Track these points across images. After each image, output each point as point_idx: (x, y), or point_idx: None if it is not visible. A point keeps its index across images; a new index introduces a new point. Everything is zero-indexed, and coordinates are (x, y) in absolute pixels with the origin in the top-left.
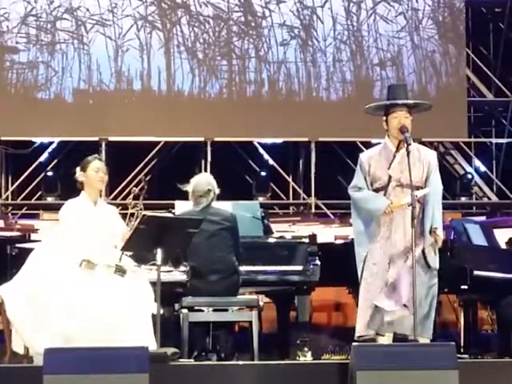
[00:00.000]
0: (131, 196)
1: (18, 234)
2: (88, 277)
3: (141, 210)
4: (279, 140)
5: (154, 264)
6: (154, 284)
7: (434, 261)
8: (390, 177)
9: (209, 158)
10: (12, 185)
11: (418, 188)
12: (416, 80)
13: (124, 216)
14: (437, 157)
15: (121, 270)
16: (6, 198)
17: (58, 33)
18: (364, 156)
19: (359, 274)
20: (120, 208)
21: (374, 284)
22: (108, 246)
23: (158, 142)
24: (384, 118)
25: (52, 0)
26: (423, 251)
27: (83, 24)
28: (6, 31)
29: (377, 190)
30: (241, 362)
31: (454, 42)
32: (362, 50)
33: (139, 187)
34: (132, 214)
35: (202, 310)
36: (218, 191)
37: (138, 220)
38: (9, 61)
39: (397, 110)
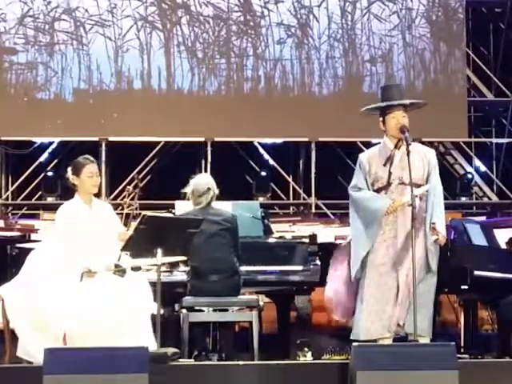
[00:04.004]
0: (126, 195)
1: (18, 234)
2: (88, 279)
3: (136, 209)
4: (279, 140)
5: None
6: (154, 284)
7: (434, 262)
8: (389, 175)
9: (209, 158)
10: (12, 185)
11: (419, 186)
12: (405, 76)
13: (120, 216)
14: (437, 157)
15: (120, 270)
16: (6, 198)
17: (57, 33)
18: (364, 156)
19: (353, 272)
20: (120, 208)
21: (384, 284)
22: (106, 246)
23: (158, 142)
24: (380, 118)
25: (49, 1)
26: (426, 252)
27: (82, 25)
28: (4, 32)
29: (378, 190)
30: (241, 362)
31: (446, 41)
32: (354, 47)
33: (133, 185)
34: (128, 214)
35: (203, 310)
36: (217, 191)
37: (138, 220)
38: (7, 62)
39: (394, 110)
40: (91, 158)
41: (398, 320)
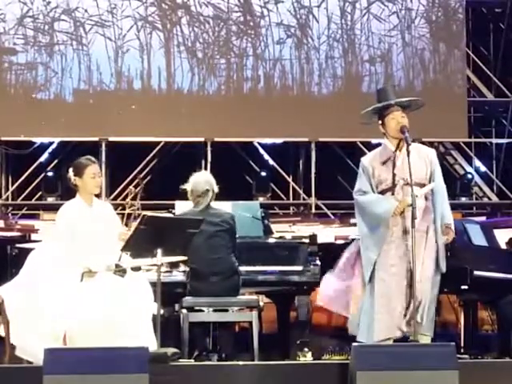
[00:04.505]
0: (128, 196)
1: (18, 234)
2: (88, 279)
3: (138, 209)
4: (279, 140)
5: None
6: (154, 284)
7: (443, 263)
8: (394, 176)
9: (209, 158)
10: (12, 185)
11: (423, 185)
12: (404, 76)
13: (122, 216)
14: (437, 157)
15: (121, 270)
16: (6, 198)
17: (56, 34)
18: (365, 160)
19: (367, 276)
20: (120, 208)
21: (395, 285)
22: (107, 246)
23: (158, 142)
24: (379, 121)
25: (49, 1)
26: (437, 253)
27: (82, 25)
28: (3, 32)
29: (383, 192)
30: (241, 362)
31: (446, 41)
32: (353, 47)
33: (134, 184)
34: (129, 215)
35: (203, 311)
36: (216, 189)
37: (138, 220)
38: (7, 62)
39: (393, 111)
40: (93, 159)
41: (410, 319)
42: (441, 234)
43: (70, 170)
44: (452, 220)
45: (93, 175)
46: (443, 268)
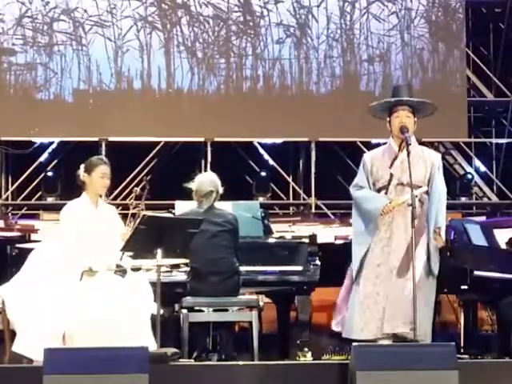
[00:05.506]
0: (133, 196)
1: (18, 234)
2: (89, 278)
3: (142, 210)
4: (279, 140)
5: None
6: (154, 284)
7: (436, 267)
8: (391, 175)
9: (209, 158)
10: (12, 185)
11: (418, 187)
12: (402, 75)
13: (125, 216)
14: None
15: (121, 270)
16: (6, 198)
17: (56, 34)
18: (367, 156)
19: (354, 273)
20: (120, 208)
21: (380, 284)
22: (109, 246)
23: (158, 142)
24: (388, 118)
25: (48, 1)
26: (428, 256)
27: (81, 25)
28: (2, 33)
29: (379, 190)
30: (241, 362)
31: (445, 41)
32: (352, 47)
33: (140, 186)
34: (133, 215)
35: (202, 311)
36: (221, 190)
37: (138, 220)
38: (6, 62)
39: (399, 110)
40: (105, 160)
41: (395, 325)
42: (433, 238)
43: (82, 166)
44: (443, 224)
45: (102, 175)
46: (435, 271)
